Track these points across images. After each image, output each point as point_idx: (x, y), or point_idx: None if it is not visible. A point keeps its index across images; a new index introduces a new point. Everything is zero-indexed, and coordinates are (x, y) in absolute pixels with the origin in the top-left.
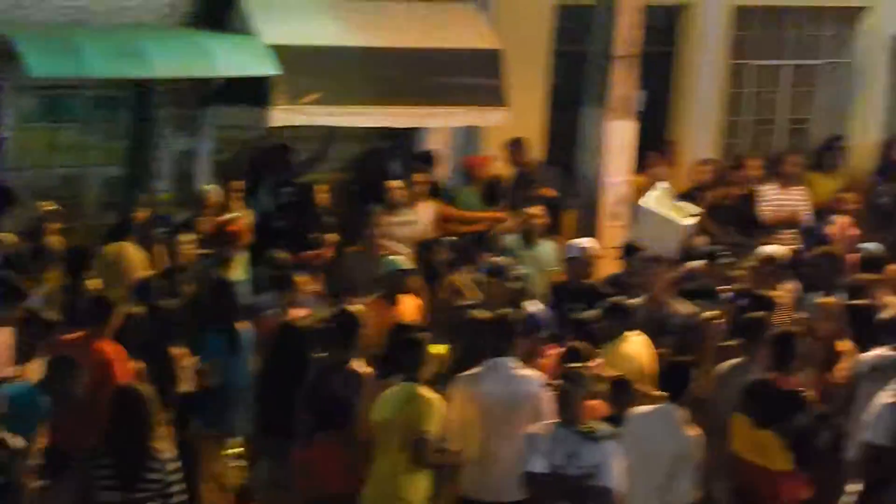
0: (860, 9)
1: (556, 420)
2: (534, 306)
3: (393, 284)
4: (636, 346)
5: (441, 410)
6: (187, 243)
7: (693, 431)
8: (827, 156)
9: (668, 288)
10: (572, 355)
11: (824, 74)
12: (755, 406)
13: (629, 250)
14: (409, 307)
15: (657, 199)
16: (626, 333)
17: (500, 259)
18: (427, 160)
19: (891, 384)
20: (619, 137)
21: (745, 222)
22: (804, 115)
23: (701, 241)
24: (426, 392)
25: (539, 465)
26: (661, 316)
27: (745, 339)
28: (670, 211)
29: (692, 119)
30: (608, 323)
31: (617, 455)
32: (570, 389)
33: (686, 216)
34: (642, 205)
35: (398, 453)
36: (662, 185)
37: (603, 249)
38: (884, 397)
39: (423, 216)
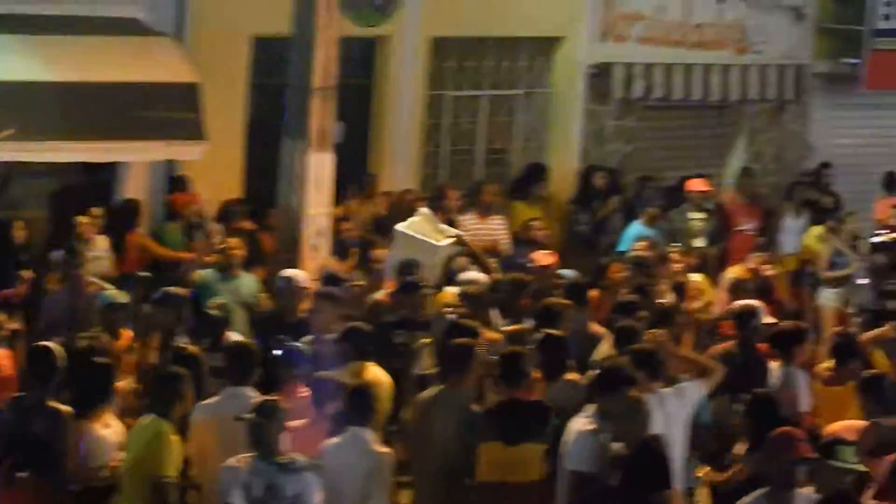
0: (555, 39)
1: (254, 453)
2: (236, 336)
3: (110, 319)
4: (374, 373)
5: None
6: None
7: (384, 449)
8: (528, 184)
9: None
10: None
11: (522, 104)
12: (504, 426)
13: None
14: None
15: (416, 224)
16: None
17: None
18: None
19: (583, 412)
20: (318, 170)
21: None
22: (503, 145)
23: (463, 262)
24: (168, 431)
25: (238, 499)
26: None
27: (450, 366)
28: (429, 234)
29: (391, 150)
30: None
31: (317, 485)
32: (264, 422)
33: (447, 238)
34: (397, 227)
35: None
36: (423, 211)
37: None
38: (579, 425)
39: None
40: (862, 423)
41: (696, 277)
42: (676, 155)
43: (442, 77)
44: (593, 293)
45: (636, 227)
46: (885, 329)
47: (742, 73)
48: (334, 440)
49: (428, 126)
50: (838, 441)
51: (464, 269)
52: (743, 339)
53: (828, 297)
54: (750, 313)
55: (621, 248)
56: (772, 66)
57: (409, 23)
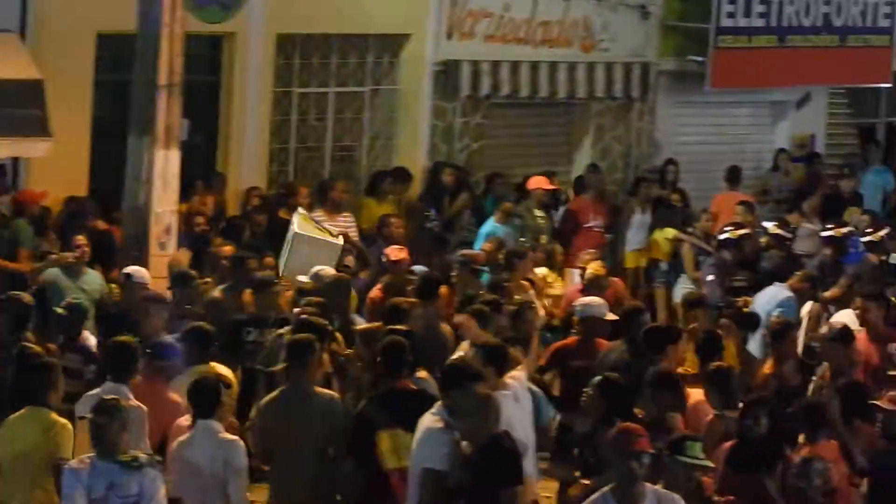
0: (402, 36)
1: (93, 453)
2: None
3: None
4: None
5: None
6: None
7: (234, 438)
8: (379, 182)
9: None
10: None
11: (369, 101)
12: (397, 414)
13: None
14: None
15: (302, 226)
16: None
17: None
18: None
19: (434, 408)
20: (164, 167)
21: None
22: (351, 142)
23: (351, 260)
24: (59, 418)
25: (80, 500)
26: None
27: (292, 361)
28: (322, 234)
29: (239, 148)
30: (188, 348)
31: (159, 481)
32: (104, 422)
33: (334, 236)
34: (297, 231)
35: (32, 489)
36: (301, 211)
37: (152, 278)
38: (428, 421)
39: None
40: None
41: (542, 272)
42: (525, 152)
43: (289, 74)
44: (443, 289)
45: (490, 225)
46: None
47: (588, 71)
48: (185, 435)
49: (276, 123)
50: (686, 437)
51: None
52: (630, 339)
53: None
54: (637, 312)
55: (477, 245)
56: (618, 63)
57: (255, 20)
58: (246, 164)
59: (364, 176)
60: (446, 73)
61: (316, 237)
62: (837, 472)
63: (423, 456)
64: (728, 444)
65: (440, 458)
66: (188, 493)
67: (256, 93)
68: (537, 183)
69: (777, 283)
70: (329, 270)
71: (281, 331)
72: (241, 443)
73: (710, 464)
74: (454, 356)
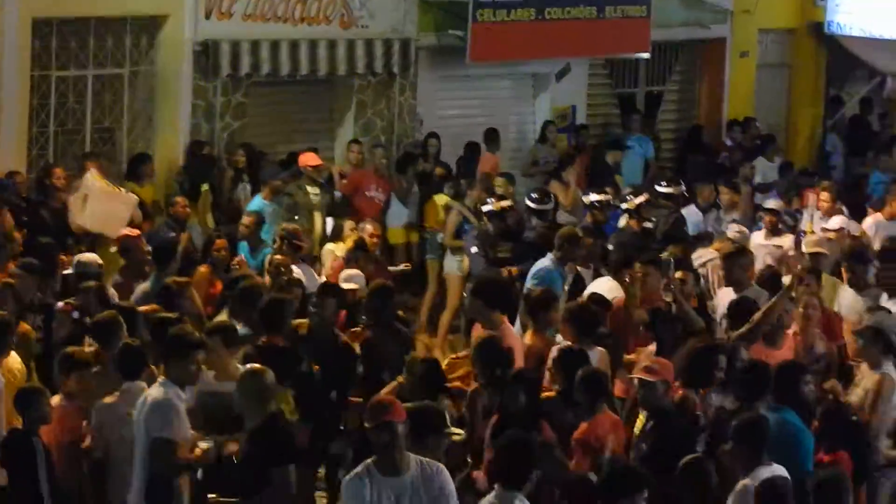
0: (160, 17)
1: None
2: None
3: None
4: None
5: None
6: None
7: None
8: (139, 165)
9: None
10: None
11: (129, 83)
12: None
13: None
14: None
15: (96, 181)
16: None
17: None
18: None
19: (161, 379)
20: None
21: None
22: (111, 124)
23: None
24: None
25: None
26: None
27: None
28: (112, 189)
29: None
30: None
31: None
32: None
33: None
34: (92, 186)
35: None
36: (92, 170)
37: None
38: (155, 392)
39: None
40: None
41: (330, 247)
42: (287, 129)
43: (47, 58)
44: (203, 268)
45: (257, 201)
46: None
47: (348, 48)
48: None
49: (34, 107)
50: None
51: None
52: (375, 317)
53: (454, 267)
54: (382, 290)
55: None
56: (378, 40)
57: (10, 4)
58: (5, 149)
59: (125, 158)
60: (206, 53)
61: (110, 191)
62: (616, 441)
63: (154, 425)
64: (494, 417)
65: (167, 427)
66: None
67: (13, 77)
68: (307, 160)
69: (549, 255)
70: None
71: None
72: None
73: (458, 431)
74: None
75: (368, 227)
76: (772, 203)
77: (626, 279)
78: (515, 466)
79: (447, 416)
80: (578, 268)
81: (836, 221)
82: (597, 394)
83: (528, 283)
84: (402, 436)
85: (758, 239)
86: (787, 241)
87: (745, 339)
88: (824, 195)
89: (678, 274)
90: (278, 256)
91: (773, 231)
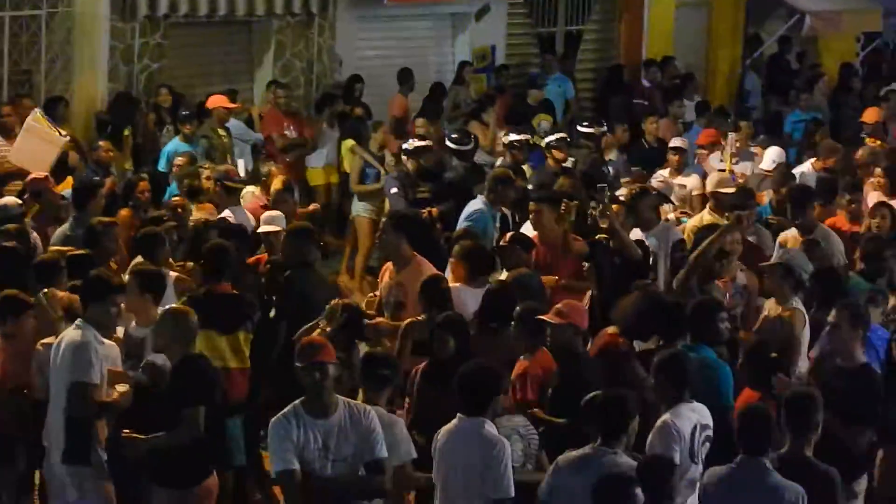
0: None
1: None
2: None
3: None
4: None
5: None
6: None
7: None
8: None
9: None
10: None
11: (46, 24)
12: (216, 317)
13: None
14: None
15: (38, 120)
16: None
17: None
18: None
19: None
20: None
21: None
22: (29, 66)
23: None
24: None
25: None
26: None
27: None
28: (49, 129)
29: None
30: None
31: None
32: None
33: (62, 136)
34: (30, 122)
35: None
36: (37, 110)
37: None
38: (71, 335)
39: None
40: None
41: (250, 189)
42: (206, 71)
43: None
44: (124, 211)
45: (174, 143)
46: None
47: None
48: None
49: None
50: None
51: None
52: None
53: (361, 210)
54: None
55: (160, 165)
56: None
57: None
58: None
59: (43, 100)
60: None
61: (46, 130)
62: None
63: (72, 369)
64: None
65: (85, 370)
66: None
67: None
68: (217, 102)
69: (480, 196)
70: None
71: None
72: None
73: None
74: None
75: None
76: (677, 141)
77: (562, 210)
78: (613, 421)
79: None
80: (504, 209)
81: (772, 154)
82: (536, 332)
83: (461, 224)
84: (331, 377)
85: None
86: (691, 180)
87: (683, 281)
88: (741, 135)
89: (614, 206)
90: (176, 198)
91: (678, 170)
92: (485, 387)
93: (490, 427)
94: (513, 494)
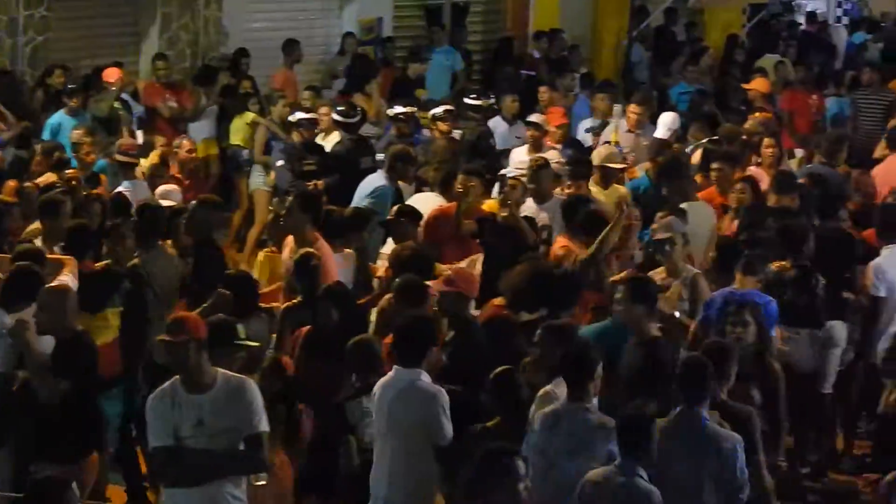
0: None
1: None
2: None
3: None
4: None
5: None
6: None
7: None
8: None
9: None
10: None
11: None
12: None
13: None
14: None
15: None
16: None
17: None
18: None
19: None
20: None
21: None
22: None
23: None
24: None
25: None
26: None
27: None
28: None
29: None
30: None
31: None
32: None
33: None
34: None
35: None
36: None
37: None
38: None
39: None
40: None
41: (142, 162)
42: (91, 44)
43: None
44: (11, 183)
45: (59, 116)
46: None
47: None
48: None
49: None
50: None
51: None
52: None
53: (261, 183)
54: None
55: (44, 137)
56: None
57: None
58: None
59: None
60: None
61: None
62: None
63: None
64: (305, 329)
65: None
66: None
67: None
68: (110, 74)
69: (380, 171)
70: None
71: None
72: None
73: (253, 343)
74: None
75: (186, 143)
76: (534, 117)
77: (459, 189)
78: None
79: (239, 330)
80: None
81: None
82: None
83: (363, 201)
84: (199, 353)
85: (519, 155)
86: (550, 156)
87: (589, 263)
88: (633, 108)
89: (510, 182)
90: (52, 176)
91: (536, 146)
92: (421, 338)
93: (426, 377)
94: (450, 441)
